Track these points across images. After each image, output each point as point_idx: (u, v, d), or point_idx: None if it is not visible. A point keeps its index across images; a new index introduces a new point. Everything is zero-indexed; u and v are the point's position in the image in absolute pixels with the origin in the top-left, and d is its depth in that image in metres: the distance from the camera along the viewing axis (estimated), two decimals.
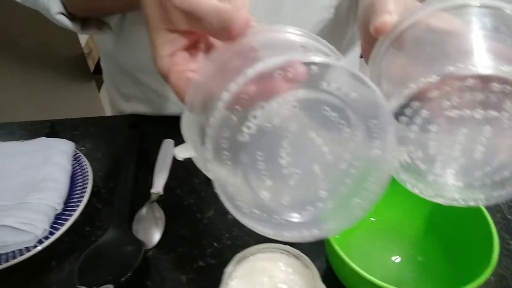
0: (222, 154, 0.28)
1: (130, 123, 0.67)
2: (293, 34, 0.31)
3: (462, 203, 0.33)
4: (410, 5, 0.35)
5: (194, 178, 0.59)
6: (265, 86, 0.26)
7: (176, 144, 0.63)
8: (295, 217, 0.30)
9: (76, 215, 0.51)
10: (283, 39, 0.31)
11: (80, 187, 0.55)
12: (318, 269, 0.47)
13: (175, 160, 0.61)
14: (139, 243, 0.49)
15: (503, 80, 0.27)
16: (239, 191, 0.29)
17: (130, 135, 0.65)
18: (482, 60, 0.27)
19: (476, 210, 0.42)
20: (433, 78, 0.27)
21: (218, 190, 0.28)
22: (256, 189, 0.30)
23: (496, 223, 0.42)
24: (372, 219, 0.49)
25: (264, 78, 0.25)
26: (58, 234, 0.49)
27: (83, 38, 1.76)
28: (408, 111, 0.29)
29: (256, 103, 0.26)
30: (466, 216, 0.43)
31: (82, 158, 0.59)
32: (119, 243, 0.49)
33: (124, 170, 0.59)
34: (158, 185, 0.57)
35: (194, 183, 0.59)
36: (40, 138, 0.60)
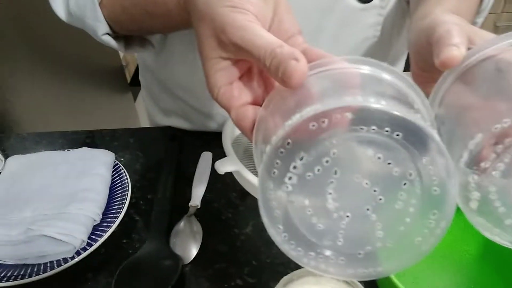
0: (271, 204, 0.28)
1: (169, 135, 0.66)
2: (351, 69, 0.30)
3: None
4: (474, 36, 0.33)
5: (232, 191, 0.58)
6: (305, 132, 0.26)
7: (214, 157, 0.63)
8: (355, 256, 0.30)
9: (114, 227, 0.51)
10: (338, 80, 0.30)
11: (118, 199, 0.55)
12: None
13: (212, 173, 0.60)
14: (176, 258, 0.48)
15: None
16: (291, 236, 0.30)
17: (169, 147, 0.64)
18: None
19: None
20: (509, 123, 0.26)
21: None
22: (308, 233, 0.30)
23: None
24: None
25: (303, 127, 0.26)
26: (96, 245, 0.49)
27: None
28: (491, 152, 0.27)
29: (297, 151, 0.27)
30: None
31: (122, 169, 0.59)
32: (156, 257, 0.48)
33: (162, 182, 0.58)
34: (196, 198, 0.56)
35: (232, 196, 0.57)
36: (82, 148, 0.61)
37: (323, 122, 0.26)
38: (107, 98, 1.63)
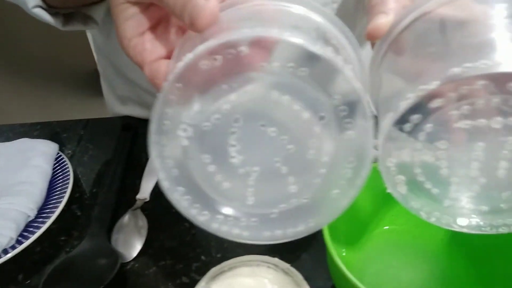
0: (167, 162, 0.25)
1: (123, 125, 0.61)
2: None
3: (489, 231, 0.27)
4: None
5: None
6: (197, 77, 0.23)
7: None
8: (268, 216, 0.26)
9: (49, 223, 0.46)
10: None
11: (58, 192, 0.50)
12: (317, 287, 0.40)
13: None
14: (115, 256, 0.43)
15: None
16: (196, 198, 0.26)
17: (121, 137, 0.59)
18: (495, 56, 0.21)
19: None
20: (434, 85, 0.21)
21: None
22: (213, 194, 0.26)
23: None
24: (385, 227, 0.41)
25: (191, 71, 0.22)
26: (26, 243, 0.44)
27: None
28: (407, 126, 0.23)
29: (190, 98, 0.23)
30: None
31: (65, 161, 0.53)
32: (93, 255, 0.43)
33: (110, 174, 0.53)
34: (145, 190, 0.51)
35: None
36: (22, 139, 0.56)
37: (215, 60, 0.22)
38: (79, 102, 1.57)
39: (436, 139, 0.24)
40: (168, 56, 0.29)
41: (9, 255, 0.43)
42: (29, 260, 0.45)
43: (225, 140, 0.24)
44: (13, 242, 0.44)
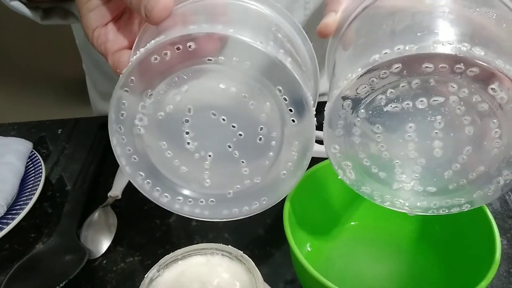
0: (126, 150, 0.27)
1: (99, 124, 0.61)
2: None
3: (442, 212, 0.28)
4: None
5: None
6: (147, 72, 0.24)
7: None
8: (225, 196, 0.29)
9: (18, 219, 0.45)
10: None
11: (29, 190, 0.49)
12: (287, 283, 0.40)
13: None
14: (82, 252, 0.42)
15: (436, 59, 0.22)
16: (157, 182, 0.29)
17: (96, 135, 0.59)
18: (410, 40, 0.22)
19: (476, 211, 0.34)
20: (357, 72, 0.23)
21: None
22: (173, 178, 0.29)
23: None
24: (352, 223, 0.41)
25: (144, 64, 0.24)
26: None
27: None
28: (342, 113, 0.25)
29: (144, 90, 0.25)
30: (464, 218, 0.35)
31: (38, 159, 0.53)
32: (60, 251, 0.43)
33: (82, 172, 0.53)
34: (117, 188, 0.50)
35: None
36: None
37: (165, 54, 0.24)
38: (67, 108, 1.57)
39: (371, 124, 0.25)
40: (131, 47, 0.30)
41: None
42: None
43: (179, 128, 0.26)
44: None
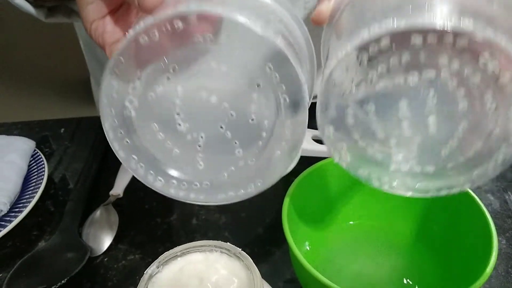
0: (118, 133, 0.27)
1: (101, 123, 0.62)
2: None
3: (442, 193, 0.27)
4: None
5: None
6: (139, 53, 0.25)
7: None
8: (220, 179, 0.29)
9: (20, 217, 0.46)
10: None
11: (32, 188, 0.50)
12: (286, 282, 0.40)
13: None
14: (84, 249, 0.43)
15: (424, 32, 0.21)
16: (150, 165, 0.29)
17: (98, 135, 0.60)
18: (398, 15, 0.22)
19: (473, 210, 0.34)
20: (347, 49, 0.23)
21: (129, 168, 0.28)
22: (166, 161, 0.28)
23: None
24: (350, 222, 0.41)
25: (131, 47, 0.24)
26: None
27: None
28: (334, 92, 0.25)
29: (134, 72, 0.25)
30: (461, 217, 0.35)
31: (41, 158, 0.54)
32: (62, 249, 0.43)
33: (84, 170, 0.53)
34: (118, 186, 0.51)
35: None
36: None
37: (153, 35, 0.23)
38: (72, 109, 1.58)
39: (364, 103, 0.25)
40: None
41: None
42: (0, 254, 0.45)
43: (170, 109, 0.26)
44: None
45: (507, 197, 0.48)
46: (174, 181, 0.29)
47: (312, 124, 0.51)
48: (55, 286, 0.38)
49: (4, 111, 1.22)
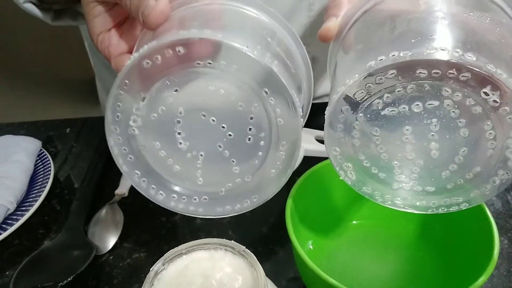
0: (122, 149, 0.29)
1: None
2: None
3: (441, 210, 0.29)
4: None
5: None
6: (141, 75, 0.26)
7: None
8: (217, 194, 0.30)
9: (27, 215, 0.47)
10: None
11: (38, 187, 0.51)
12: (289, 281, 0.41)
13: None
14: (90, 248, 0.43)
15: (429, 65, 0.23)
16: (152, 180, 0.30)
17: (105, 135, 0.60)
18: (404, 47, 0.23)
19: (476, 211, 0.35)
20: (355, 78, 0.24)
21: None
22: (167, 176, 0.30)
23: None
24: (353, 222, 0.42)
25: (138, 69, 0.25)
26: (4, 235, 0.45)
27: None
28: (342, 117, 0.26)
29: (138, 92, 0.26)
30: (464, 218, 0.36)
31: (47, 157, 0.54)
32: (68, 247, 0.44)
33: (90, 170, 0.54)
34: (124, 186, 0.52)
35: None
36: (5, 135, 0.57)
37: (156, 59, 0.25)
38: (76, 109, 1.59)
39: (369, 127, 0.26)
40: (132, 51, 0.32)
41: None
42: (7, 252, 0.46)
43: (171, 128, 0.28)
44: None
45: (509, 197, 0.48)
46: (175, 195, 0.30)
47: (315, 123, 0.52)
48: (61, 283, 0.39)
49: (11, 111, 1.23)
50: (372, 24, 0.28)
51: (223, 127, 0.27)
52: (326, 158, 0.40)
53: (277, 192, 0.30)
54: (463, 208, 0.28)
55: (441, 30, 0.24)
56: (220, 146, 0.28)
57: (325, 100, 0.67)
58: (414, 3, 0.27)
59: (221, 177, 0.29)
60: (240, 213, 0.31)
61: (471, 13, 0.25)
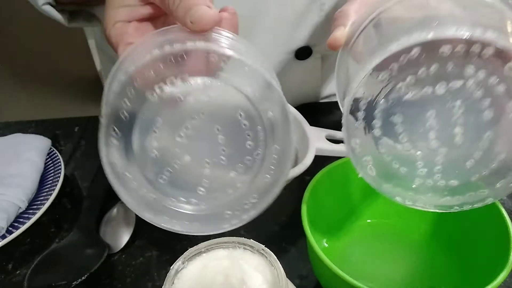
0: (121, 113, 0.27)
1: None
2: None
3: (465, 207, 0.28)
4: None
5: None
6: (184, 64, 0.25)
7: None
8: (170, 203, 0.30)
9: (38, 214, 0.47)
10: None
11: (49, 186, 0.51)
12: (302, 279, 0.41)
13: None
14: (102, 246, 0.43)
15: (453, 42, 0.22)
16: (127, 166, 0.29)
17: None
18: (421, 28, 0.23)
19: (490, 209, 0.35)
20: (377, 61, 0.23)
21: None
22: (142, 155, 0.28)
23: None
24: (368, 220, 0.42)
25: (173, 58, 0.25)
26: (16, 233, 0.45)
27: (97, 61, 1.77)
28: (363, 104, 0.26)
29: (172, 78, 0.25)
30: (478, 216, 0.36)
31: (57, 156, 0.54)
32: (81, 246, 0.44)
33: (100, 168, 0.54)
34: None
35: None
36: (15, 134, 0.57)
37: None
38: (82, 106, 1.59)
39: (391, 115, 0.26)
40: None
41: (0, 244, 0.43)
42: (19, 251, 0.46)
43: (184, 119, 0.27)
44: (3, 231, 0.45)
45: None
46: (145, 190, 0.30)
47: (324, 122, 0.51)
48: (75, 282, 0.39)
49: (19, 110, 1.23)
50: (386, 24, 0.28)
51: (222, 150, 0.28)
52: (337, 157, 0.41)
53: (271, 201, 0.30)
54: (488, 203, 0.28)
55: (458, 16, 0.24)
56: (207, 162, 0.28)
57: (332, 99, 0.67)
58: (425, 4, 0.27)
59: (187, 186, 0.29)
60: (240, 225, 0.31)
61: (481, 9, 0.25)
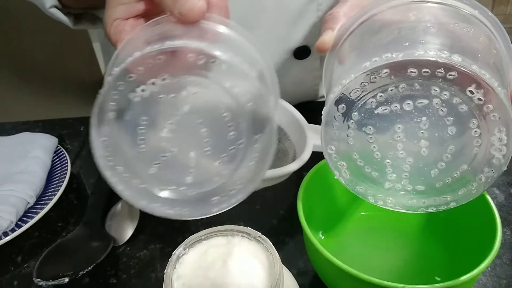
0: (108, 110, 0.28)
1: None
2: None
3: (430, 210, 0.30)
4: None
5: None
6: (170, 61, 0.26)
7: None
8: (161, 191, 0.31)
9: (46, 209, 0.49)
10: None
11: (56, 182, 0.52)
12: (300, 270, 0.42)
13: None
14: (108, 239, 0.45)
15: (419, 65, 0.24)
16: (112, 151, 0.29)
17: None
18: (397, 50, 0.25)
19: (478, 201, 0.36)
20: (351, 78, 0.26)
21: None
22: (128, 151, 0.29)
23: None
24: (362, 213, 0.43)
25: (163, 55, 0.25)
26: (25, 227, 0.47)
27: (102, 63, 1.79)
28: (338, 116, 0.28)
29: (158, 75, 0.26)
30: (467, 207, 0.37)
31: (64, 154, 0.56)
32: (86, 239, 0.46)
33: None
34: None
35: None
36: (23, 133, 0.59)
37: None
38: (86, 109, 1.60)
39: (363, 126, 0.28)
40: None
41: (8, 238, 0.45)
42: (27, 244, 0.48)
43: (167, 116, 0.28)
44: (12, 225, 0.47)
45: None
46: (126, 174, 0.30)
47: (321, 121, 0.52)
48: (82, 272, 0.41)
49: (26, 111, 1.26)
50: (366, 34, 0.30)
51: (206, 142, 0.28)
52: None
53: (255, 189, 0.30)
54: (452, 207, 0.30)
55: (429, 36, 0.26)
56: (191, 155, 0.29)
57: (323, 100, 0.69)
58: (404, 15, 0.29)
59: (171, 178, 0.30)
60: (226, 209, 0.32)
61: (457, 24, 0.27)
